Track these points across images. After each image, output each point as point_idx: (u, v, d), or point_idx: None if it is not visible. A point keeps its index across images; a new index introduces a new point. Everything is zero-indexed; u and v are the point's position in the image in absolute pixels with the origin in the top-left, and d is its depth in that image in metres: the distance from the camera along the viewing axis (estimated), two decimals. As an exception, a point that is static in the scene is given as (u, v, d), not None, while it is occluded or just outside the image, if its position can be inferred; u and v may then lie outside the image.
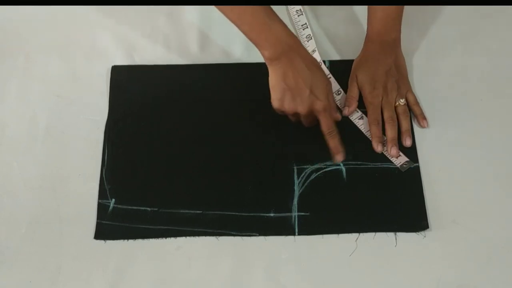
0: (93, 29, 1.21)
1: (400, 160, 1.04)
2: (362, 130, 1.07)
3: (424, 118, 1.07)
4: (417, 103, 1.09)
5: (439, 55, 1.15)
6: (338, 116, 1.03)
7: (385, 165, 1.04)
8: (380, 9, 1.07)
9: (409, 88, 1.10)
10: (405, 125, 1.06)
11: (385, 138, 1.05)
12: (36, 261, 0.98)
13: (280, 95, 0.99)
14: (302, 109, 0.99)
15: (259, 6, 0.96)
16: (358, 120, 1.08)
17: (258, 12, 0.96)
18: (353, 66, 1.11)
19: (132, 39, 1.20)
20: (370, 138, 1.06)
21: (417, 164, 1.04)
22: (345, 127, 1.06)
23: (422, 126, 1.07)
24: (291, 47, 0.98)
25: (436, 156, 1.05)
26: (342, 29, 1.20)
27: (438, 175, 1.03)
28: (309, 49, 1.14)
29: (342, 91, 1.10)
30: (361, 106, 1.09)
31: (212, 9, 1.00)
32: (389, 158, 1.04)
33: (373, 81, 1.07)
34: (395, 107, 1.07)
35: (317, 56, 1.14)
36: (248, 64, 1.16)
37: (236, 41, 1.18)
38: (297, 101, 0.99)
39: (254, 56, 1.15)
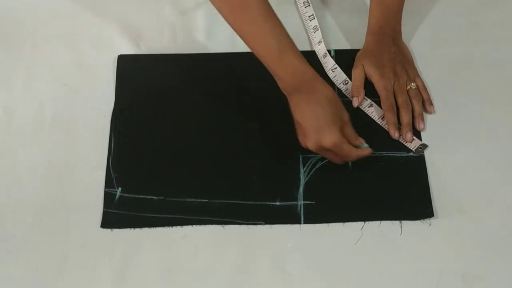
0: (99, 18, 1.21)
1: (414, 144, 1.04)
2: (374, 118, 1.07)
3: (431, 103, 1.08)
4: (425, 88, 1.09)
5: (444, 44, 1.15)
6: (360, 142, 0.99)
7: (390, 153, 1.04)
8: (381, 2, 1.07)
9: (416, 73, 1.10)
10: (418, 108, 1.06)
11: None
12: (43, 250, 0.98)
13: (296, 129, 0.98)
14: (310, 145, 0.96)
15: (272, 34, 0.95)
16: (368, 108, 1.08)
17: (271, 41, 0.95)
18: (356, 58, 1.11)
19: (138, 28, 1.20)
20: (383, 126, 1.06)
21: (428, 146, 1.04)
22: (350, 115, 1.06)
23: (428, 112, 1.07)
24: (304, 81, 0.95)
25: (440, 145, 1.05)
26: (348, 19, 1.20)
27: (443, 164, 1.03)
28: (315, 40, 1.14)
29: (349, 81, 1.10)
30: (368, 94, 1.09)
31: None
32: (403, 143, 1.04)
33: (381, 66, 1.07)
34: (407, 91, 1.07)
35: (322, 47, 1.13)
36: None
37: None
38: (306, 138, 0.96)
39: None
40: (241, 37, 0.97)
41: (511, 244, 0.96)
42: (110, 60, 1.16)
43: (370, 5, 1.10)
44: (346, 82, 1.10)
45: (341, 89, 1.10)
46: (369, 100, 1.09)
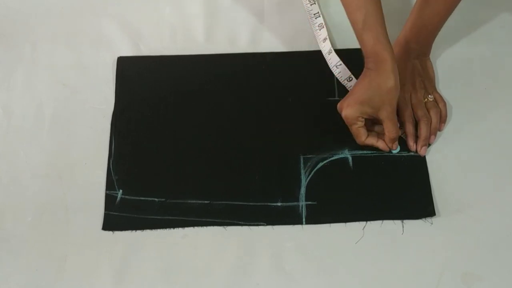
0: (99, 18, 1.21)
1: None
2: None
3: (444, 121, 1.07)
4: (444, 103, 1.07)
5: (442, 44, 1.15)
6: (375, 142, 1.03)
7: (390, 153, 1.04)
8: (419, 17, 1.06)
9: (435, 89, 1.09)
10: (434, 122, 1.05)
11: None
12: (43, 250, 0.98)
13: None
14: (338, 107, 1.01)
15: (361, 9, 0.98)
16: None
17: (358, 16, 0.98)
18: None
19: (138, 28, 1.20)
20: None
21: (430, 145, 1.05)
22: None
23: (438, 129, 1.06)
24: (375, 61, 0.98)
25: (441, 145, 1.05)
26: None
27: (443, 163, 1.03)
28: (321, 38, 1.14)
29: (354, 78, 1.10)
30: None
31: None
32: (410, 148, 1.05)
33: (400, 78, 1.03)
34: (425, 103, 1.06)
35: (327, 44, 1.13)
36: (253, 54, 1.16)
37: (242, 31, 1.18)
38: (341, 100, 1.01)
39: (260, 46, 1.16)
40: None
41: (511, 244, 0.96)
42: (110, 60, 1.16)
43: (409, 16, 1.09)
44: (350, 79, 1.10)
45: (346, 86, 1.10)
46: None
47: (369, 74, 0.98)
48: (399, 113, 1.05)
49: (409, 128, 1.04)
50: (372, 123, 1.03)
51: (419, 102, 1.05)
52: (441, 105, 1.06)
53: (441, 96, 1.08)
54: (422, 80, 1.08)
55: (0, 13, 1.23)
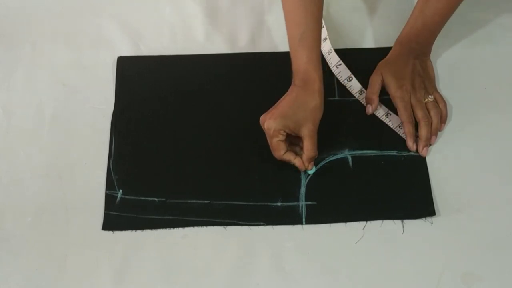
0: (99, 18, 1.21)
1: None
2: (392, 127, 1.07)
3: (445, 121, 1.06)
4: (444, 103, 1.07)
5: (443, 44, 1.15)
6: (299, 163, 1.01)
7: (390, 152, 1.04)
8: (420, 17, 1.06)
9: (435, 89, 1.08)
10: (435, 123, 1.04)
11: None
12: (43, 250, 0.98)
13: None
14: (260, 118, 1.00)
15: (300, 25, 0.99)
16: (386, 117, 1.08)
17: (296, 30, 0.99)
18: (378, 65, 1.09)
19: (138, 28, 1.20)
20: (401, 134, 1.05)
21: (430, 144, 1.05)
22: (350, 115, 1.08)
23: (439, 129, 1.06)
24: (302, 80, 0.99)
25: (441, 144, 1.05)
26: (348, 19, 1.20)
27: (443, 163, 1.03)
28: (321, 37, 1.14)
29: (353, 78, 1.10)
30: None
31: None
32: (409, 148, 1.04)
33: (400, 77, 1.05)
34: (425, 104, 1.06)
35: (327, 44, 1.13)
36: (253, 53, 1.16)
37: (241, 30, 1.18)
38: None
39: (260, 45, 1.16)
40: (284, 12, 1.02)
41: (511, 244, 0.96)
42: (110, 59, 1.16)
43: (411, 15, 1.09)
44: (351, 79, 1.10)
45: (346, 86, 1.10)
46: (386, 109, 1.08)
47: (296, 91, 0.99)
48: (398, 113, 1.05)
49: (409, 128, 1.03)
50: (291, 143, 1.01)
51: (419, 103, 1.05)
52: (441, 105, 1.06)
53: (441, 96, 1.07)
54: (422, 80, 1.07)
55: (0, 13, 1.23)
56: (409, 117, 1.04)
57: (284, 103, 0.98)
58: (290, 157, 1.00)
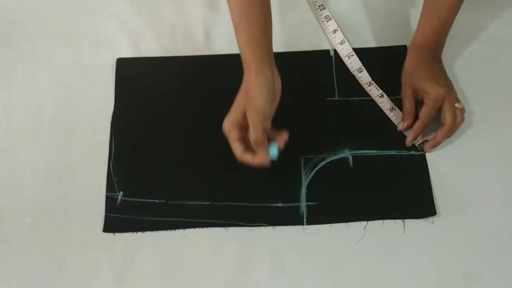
0: (99, 18, 1.21)
1: (417, 139, 1.04)
2: (394, 121, 1.06)
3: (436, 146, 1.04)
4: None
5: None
6: (261, 149, 0.93)
7: (391, 152, 1.04)
8: (435, 18, 1.03)
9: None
10: (455, 130, 1.03)
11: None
12: (43, 250, 0.98)
13: None
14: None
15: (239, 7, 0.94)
16: (390, 112, 1.07)
17: (235, 12, 0.94)
18: (403, 78, 1.06)
19: (137, 28, 1.20)
20: (391, 117, 1.06)
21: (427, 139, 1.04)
22: (350, 115, 1.08)
23: (426, 147, 1.05)
24: (245, 67, 0.94)
25: (440, 145, 1.04)
26: (348, 19, 1.19)
27: (443, 163, 1.03)
28: (330, 29, 1.15)
29: (364, 69, 1.10)
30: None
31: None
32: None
33: (433, 76, 1.02)
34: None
35: (338, 35, 1.14)
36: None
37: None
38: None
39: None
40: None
41: (511, 244, 0.96)
42: (110, 59, 1.15)
43: (422, 20, 1.06)
44: (361, 70, 1.10)
45: (356, 76, 1.10)
46: (391, 104, 1.08)
47: (243, 79, 0.94)
48: (423, 108, 1.02)
49: (417, 127, 1.02)
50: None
51: (451, 104, 1.01)
52: (463, 115, 1.03)
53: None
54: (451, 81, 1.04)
55: (0, 13, 1.23)
56: (427, 119, 1.02)
57: (236, 97, 0.94)
58: (248, 158, 0.94)
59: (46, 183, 1.03)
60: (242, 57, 0.94)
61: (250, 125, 0.92)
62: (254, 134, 0.91)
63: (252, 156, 0.94)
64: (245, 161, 0.94)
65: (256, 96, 0.91)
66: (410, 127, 1.04)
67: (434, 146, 1.03)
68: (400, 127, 1.05)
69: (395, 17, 1.18)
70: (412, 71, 1.04)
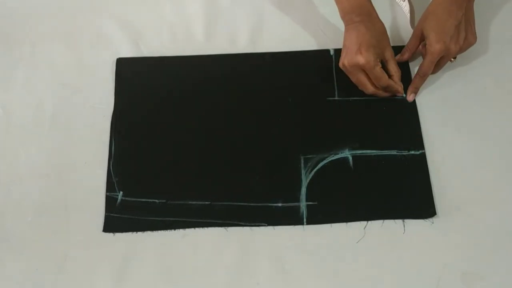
0: (98, 17, 1.21)
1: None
2: (404, 11, 1.14)
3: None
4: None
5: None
6: (394, 82, 1.06)
7: (391, 152, 1.04)
8: None
9: (473, 40, 1.08)
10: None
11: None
12: (43, 249, 0.98)
13: (341, 54, 1.06)
14: (346, 62, 1.04)
15: None
16: (402, 1, 1.14)
17: None
18: (420, 19, 1.08)
19: (138, 28, 1.19)
20: (397, 56, 1.11)
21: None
22: (350, 114, 1.07)
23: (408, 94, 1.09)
24: (360, 13, 1.05)
25: (441, 144, 1.05)
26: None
27: (443, 163, 1.03)
28: None
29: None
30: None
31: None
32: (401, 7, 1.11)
33: (441, 32, 1.04)
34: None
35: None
36: (253, 54, 1.15)
37: (242, 31, 1.18)
38: (345, 56, 1.05)
39: (260, 46, 1.16)
40: None
41: (511, 244, 0.96)
42: (110, 59, 1.15)
43: None
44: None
45: (399, 3, 1.17)
46: None
47: (364, 24, 1.04)
48: (423, 63, 1.07)
49: (417, 81, 1.08)
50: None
51: (447, 60, 1.08)
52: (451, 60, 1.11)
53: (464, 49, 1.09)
54: (465, 36, 1.06)
55: (0, 13, 1.23)
56: (426, 73, 1.07)
57: (361, 37, 1.03)
58: (390, 82, 1.05)
59: (46, 183, 1.03)
60: (358, 7, 1.05)
61: (392, 61, 1.06)
62: (398, 69, 1.07)
63: (393, 82, 1.06)
64: (389, 84, 1.06)
65: (388, 36, 1.07)
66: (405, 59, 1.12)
67: (415, 91, 1.08)
68: (398, 57, 1.11)
69: (394, 17, 1.18)
70: (429, 12, 1.07)
